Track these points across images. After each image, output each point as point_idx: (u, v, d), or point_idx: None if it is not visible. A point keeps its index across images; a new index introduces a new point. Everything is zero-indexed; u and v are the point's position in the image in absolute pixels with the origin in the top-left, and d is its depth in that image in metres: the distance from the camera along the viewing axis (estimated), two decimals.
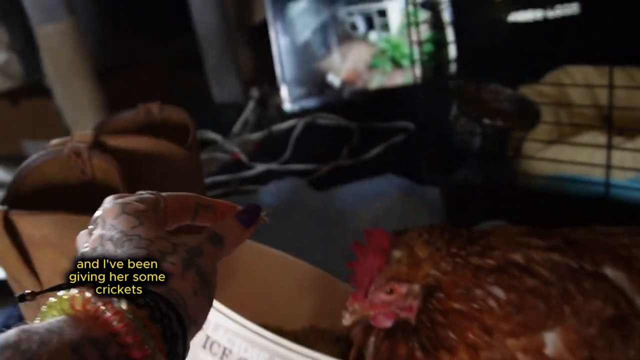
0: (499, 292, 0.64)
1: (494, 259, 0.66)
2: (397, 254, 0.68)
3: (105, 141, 0.83)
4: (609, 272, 0.68)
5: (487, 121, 1.01)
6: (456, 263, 0.65)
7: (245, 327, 0.70)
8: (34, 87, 1.97)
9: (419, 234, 0.68)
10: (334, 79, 1.88)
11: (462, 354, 0.64)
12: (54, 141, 0.86)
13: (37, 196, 0.80)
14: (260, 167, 1.61)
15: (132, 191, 0.78)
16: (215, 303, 0.70)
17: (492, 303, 0.63)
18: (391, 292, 0.67)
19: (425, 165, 1.09)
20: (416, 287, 0.67)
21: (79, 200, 0.83)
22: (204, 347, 0.72)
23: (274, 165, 1.61)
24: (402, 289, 0.67)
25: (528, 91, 1.12)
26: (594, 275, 0.67)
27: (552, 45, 1.28)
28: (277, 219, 1.32)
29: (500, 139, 1.04)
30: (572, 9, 1.54)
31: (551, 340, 0.63)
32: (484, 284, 0.64)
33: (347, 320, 0.68)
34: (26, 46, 2.26)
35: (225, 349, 0.71)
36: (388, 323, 0.68)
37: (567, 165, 0.93)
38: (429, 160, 1.09)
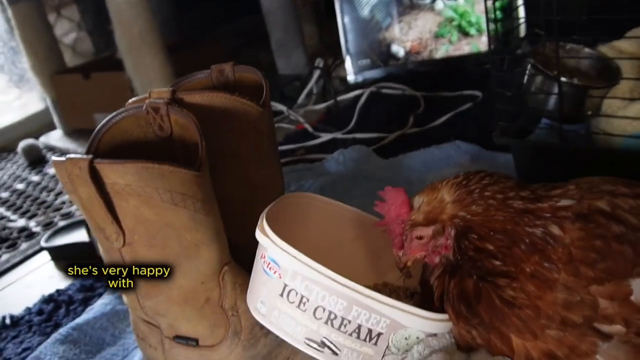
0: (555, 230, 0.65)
1: (571, 208, 0.66)
2: (418, 200, 0.72)
3: (182, 98, 0.84)
4: None
5: (564, 79, 0.98)
6: (489, 205, 0.67)
7: (323, 274, 0.69)
8: (105, 61, 2.01)
9: (455, 178, 0.70)
10: (399, 50, 1.86)
11: (528, 285, 0.64)
12: (133, 99, 0.88)
13: (116, 152, 0.81)
14: (325, 136, 1.61)
15: (209, 147, 0.80)
16: (294, 251, 0.70)
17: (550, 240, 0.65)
18: (420, 238, 0.72)
19: (497, 128, 1.06)
20: (439, 227, 0.70)
21: (157, 156, 0.84)
22: (281, 295, 0.71)
23: (339, 135, 1.61)
24: (427, 231, 0.71)
25: (606, 50, 1.08)
26: None
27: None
28: (344, 187, 1.34)
29: (578, 97, 1.01)
30: None
31: (638, 288, 0.61)
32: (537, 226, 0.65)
33: (400, 263, 0.74)
34: (96, 25, 2.32)
35: (302, 297, 0.70)
36: (436, 259, 0.72)
37: None
38: (501, 122, 1.06)
